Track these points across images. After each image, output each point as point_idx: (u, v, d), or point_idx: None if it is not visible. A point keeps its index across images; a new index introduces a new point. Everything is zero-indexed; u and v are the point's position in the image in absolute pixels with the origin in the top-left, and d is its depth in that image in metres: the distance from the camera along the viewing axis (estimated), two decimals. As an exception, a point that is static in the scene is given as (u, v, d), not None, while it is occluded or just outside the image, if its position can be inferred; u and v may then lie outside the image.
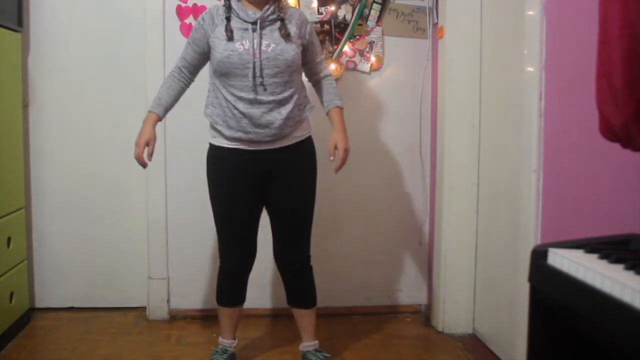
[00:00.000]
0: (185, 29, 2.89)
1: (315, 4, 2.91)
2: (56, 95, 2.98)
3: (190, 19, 2.89)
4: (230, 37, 2.08)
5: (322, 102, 2.35)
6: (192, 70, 2.26)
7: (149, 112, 2.23)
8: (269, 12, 2.11)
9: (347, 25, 2.94)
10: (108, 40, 2.98)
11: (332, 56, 2.94)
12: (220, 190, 2.21)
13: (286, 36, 2.11)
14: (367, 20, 2.95)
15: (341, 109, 2.32)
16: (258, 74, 2.07)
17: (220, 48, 2.09)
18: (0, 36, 2.56)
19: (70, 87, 2.99)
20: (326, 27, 2.93)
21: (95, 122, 3.01)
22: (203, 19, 2.16)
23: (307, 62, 2.28)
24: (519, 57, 2.13)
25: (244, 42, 2.08)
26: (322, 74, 2.34)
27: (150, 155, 2.19)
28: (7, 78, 2.64)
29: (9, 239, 2.61)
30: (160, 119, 2.24)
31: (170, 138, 2.93)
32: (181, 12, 2.90)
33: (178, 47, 2.87)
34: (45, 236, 3.03)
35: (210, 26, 2.13)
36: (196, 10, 2.89)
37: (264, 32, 2.09)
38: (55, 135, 2.99)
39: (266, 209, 2.30)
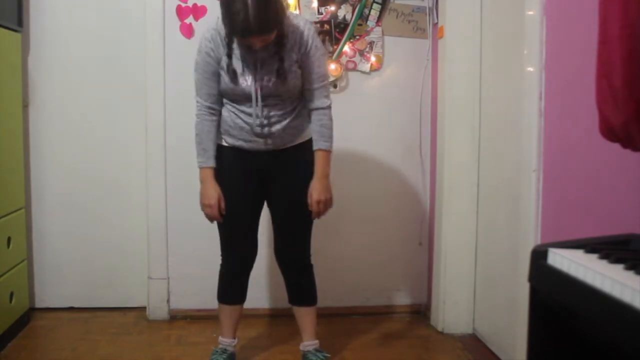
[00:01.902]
0: (185, 29, 2.89)
1: (315, 4, 2.91)
2: (56, 95, 2.98)
3: (190, 19, 2.89)
4: (233, 78, 2.08)
5: (314, 135, 2.21)
6: (219, 99, 2.17)
7: (202, 168, 2.17)
8: (271, 51, 2.06)
9: (347, 25, 2.94)
10: (108, 40, 2.98)
11: (332, 56, 2.94)
12: (221, 188, 2.21)
13: (286, 73, 2.08)
14: (367, 20, 2.95)
15: (326, 151, 2.19)
16: (261, 101, 2.10)
17: (225, 81, 2.10)
18: (0, 36, 2.56)
19: (70, 87, 2.99)
20: (326, 27, 2.93)
21: (95, 122, 3.01)
22: (211, 49, 2.09)
23: (303, 84, 2.15)
24: (519, 57, 2.13)
25: (246, 77, 2.09)
26: (313, 105, 2.18)
27: (223, 209, 2.18)
28: (7, 78, 2.64)
29: (9, 239, 2.61)
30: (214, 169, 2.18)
31: (170, 138, 2.93)
32: (181, 12, 2.89)
33: (178, 47, 2.89)
34: (45, 236, 3.03)
35: (217, 55, 2.09)
36: (196, 10, 2.89)
37: (265, 69, 2.08)
38: (55, 135, 2.99)
39: (268, 207, 2.31)
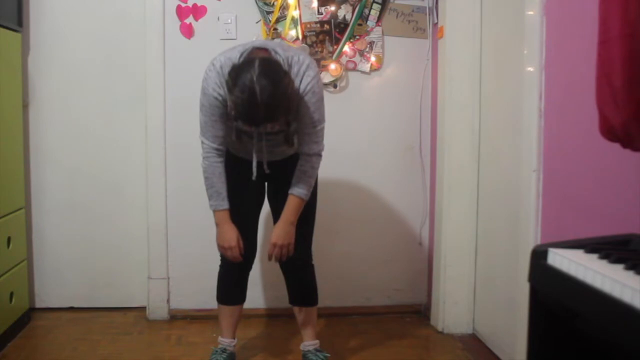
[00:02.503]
0: (185, 29, 2.89)
1: (315, 4, 2.91)
2: (56, 95, 2.98)
3: (190, 19, 2.89)
4: (237, 135, 2.05)
5: (293, 178, 2.13)
6: (226, 139, 2.12)
7: (216, 211, 2.12)
8: (275, 128, 2.04)
9: (347, 25, 2.94)
10: (108, 40, 2.98)
11: (332, 56, 2.94)
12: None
13: (292, 136, 2.06)
14: (367, 20, 2.95)
15: (299, 199, 2.10)
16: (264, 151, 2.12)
17: (228, 130, 2.07)
18: (0, 36, 2.56)
19: (70, 87, 2.99)
20: (326, 27, 2.93)
21: (95, 122, 3.01)
22: (219, 94, 1.98)
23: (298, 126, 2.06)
24: (519, 57, 2.13)
25: (251, 138, 2.10)
26: (301, 149, 2.09)
27: (242, 248, 2.15)
28: (7, 78, 2.64)
29: (9, 239, 2.61)
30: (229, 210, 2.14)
31: (170, 138, 2.93)
32: (181, 12, 2.90)
33: (178, 47, 2.90)
34: (45, 236, 3.03)
35: (225, 99, 1.99)
36: (196, 10, 2.89)
37: (271, 134, 2.08)
38: (55, 135, 2.99)
39: (269, 205, 2.31)
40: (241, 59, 1.92)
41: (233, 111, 1.89)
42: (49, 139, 2.99)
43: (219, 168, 2.10)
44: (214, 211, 2.13)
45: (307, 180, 2.10)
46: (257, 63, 1.80)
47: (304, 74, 1.97)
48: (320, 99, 2.03)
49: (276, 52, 1.95)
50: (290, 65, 1.94)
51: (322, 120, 2.07)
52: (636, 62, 1.12)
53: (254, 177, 2.13)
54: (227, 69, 1.91)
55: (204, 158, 2.11)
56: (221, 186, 2.11)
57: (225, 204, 2.12)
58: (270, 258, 2.15)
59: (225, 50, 2.07)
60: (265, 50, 1.96)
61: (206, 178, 2.12)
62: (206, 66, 2.06)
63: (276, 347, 2.66)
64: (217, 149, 2.09)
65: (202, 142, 2.10)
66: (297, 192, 2.10)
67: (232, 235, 2.12)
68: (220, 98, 1.98)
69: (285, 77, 1.83)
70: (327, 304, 2.87)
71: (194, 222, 2.93)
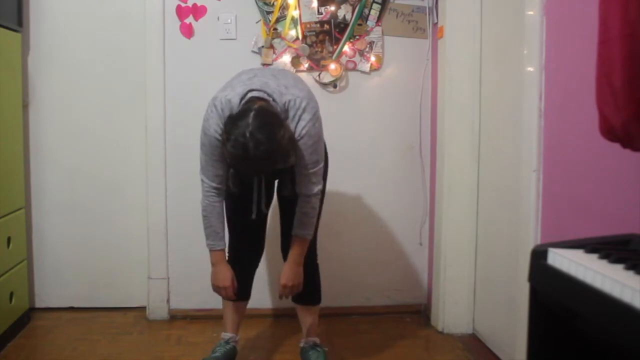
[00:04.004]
0: (185, 29, 2.89)
1: (315, 4, 2.91)
2: (56, 95, 2.98)
3: (190, 19, 2.89)
4: (234, 183, 2.05)
5: (295, 220, 2.13)
6: (225, 178, 2.08)
7: (213, 250, 2.13)
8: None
9: (347, 25, 2.94)
10: (108, 40, 2.98)
11: (332, 56, 2.94)
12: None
13: (288, 178, 2.07)
14: (367, 20, 2.95)
15: (305, 240, 2.12)
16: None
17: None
18: (0, 36, 2.56)
19: (70, 87, 2.99)
20: (326, 27, 2.93)
21: (95, 122, 3.01)
22: (220, 135, 1.92)
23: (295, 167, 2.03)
24: (519, 57, 2.13)
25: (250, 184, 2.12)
26: (299, 189, 2.07)
27: (236, 288, 2.17)
28: (7, 78, 2.64)
29: (9, 239, 2.61)
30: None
31: (170, 138, 2.94)
32: (181, 12, 2.90)
33: (178, 47, 2.90)
34: (45, 236, 3.03)
35: None
36: (196, 10, 2.89)
37: (270, 179, 2.12)
38: (55, 135, 3.00)
39: (277, 201, 2.31)
40: (240, 104, 1.90)
41: (228, 160, 1.88)
42: (49, 139, 2.99)
43: (217, 208, 2.09)
44: (211, 250, 2.13)
45: (310, 220, 2.10)
46: (251, 116, 1.76)
47: (299, 118, 1.93)
48: (317, 141, 1.99)
49: (274, 100, 1.90)
50: (287, 110, 1.92)
51: (319, 161, 2.04)
52: (636, 62, 1.12)
53: (253, 216, 2.13)
54: (227, 112, 1.91)
55: (203, 197, 2.09)
56: (219, 226, 2.11)
57: (222, 244, 2.12)
58: (281, 297, 2.18)
59: (227, 85, 2.03)
60: (263, 99, 1.89)
61: (204, 217, 2.11)
62: (207, 104, 2.01)
63: (276, 347, 2.65)
64: (217, 188, 2.06)
65: (202, 181, 2.07)
66: (301, 234, 2.11)
67: (226, 275, 2.14)
68: (220, 139, 1.91)
69: (280, 130, 1.79)
70: (327, 304, 2.86)
71: (194, 222, 2.91)
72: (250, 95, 1.90)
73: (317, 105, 2.01)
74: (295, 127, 1.93)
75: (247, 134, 1.73)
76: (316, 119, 1.97)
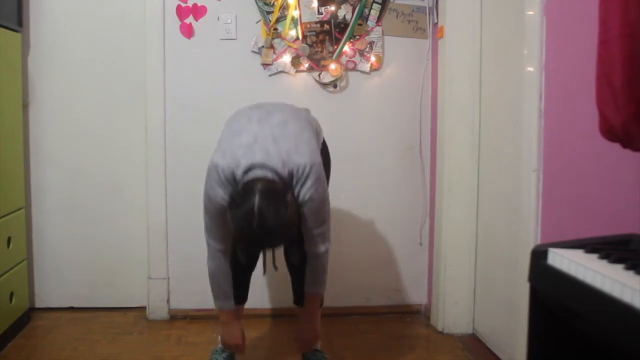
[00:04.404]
0: (185, 29, 2.89)
1: (315, 4, 2.91)
2: (56, 95, 2.98)
3: (190, 19, 2.89)
4: (243, 252, 2.09)
5: (306, 279, 2.13)
6: (231, 238, 2.04)
7: (223, 311, 2.11)
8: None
9: (347, 25, 2.94)
10: (108, 40, 2.98)
11: (332, 56, 2.94)
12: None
13: (295, 245, 2.07)
14: (367, 20, 2.95)
15: (317, 295, 2.14)
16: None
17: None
18: (0, 36, 2.56)
19: (70, 87, 2.99)
20: (326, 27, 2.93)
21: (95, 122, 3.01)
22: (224, 199, 1.89)
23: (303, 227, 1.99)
24: (519, 57, 2.13)
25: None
26: (308, 248, 2.05)
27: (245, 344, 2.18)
28: (7, 78, 2.64)
29: (9, 239, 2.61)
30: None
31: (170, 138, 2.93)
32: (181, 12, 2.90)
33: (178, 47, 2.90)
34: (45, 236, 3.03)
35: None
36: (196, 10, 2.89)
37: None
38: (55, 135, 2.99)
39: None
40: (242, 177, 1.85)
41: (235, 235, 1.87)
42: (49, 139, 2.99)
43: (225, 269, 2.06)
44: (220, 310, 2.12)
45: (321, 278, 2.10)
46: (256, 199, 1.73)
47: (302, 184, 1.89)
48: (322, 202, 1.96)
49: (277, 173, 1.84)
50: (291, 177, 1.88)
51: (325, 221, 2.01)
52: (636, 62, 1.12)
53: (264, 275, 2.13)
54: (231, 181, 1.87)
55: (210, 259, 2.06)
56: (228, 286, 2.08)
57: (231, 304, 2.10)
58: (298, 352, 2.20)
59: (227, 149, 1.92)
60: (267, 179, 1.83)
61: (213, 279, 2.07)
62: (207, 168, 1.95)
63: (276, 347, 2.65)
64: (223, 250, 2.04)
65: (208, 244, 2.04)
66: (314, 291, 2.12)
67: (237, 334, 2.14)
68: (225, 203, 1.88)
69: (285, 209, 1.77)
70: (327, 304, 2.86)
71: (194, 222, 2.92)
72: (252, 174, 1.83)
73: (320, 168, 1.94)
74: (299, 192, 1.89)
75: (253, 217, 1.72)
76: (319, 182, 1.92)
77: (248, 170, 1.83)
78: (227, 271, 2.07)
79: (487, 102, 2.68)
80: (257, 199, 1.73)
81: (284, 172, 1.85)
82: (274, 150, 1.86)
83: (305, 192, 1.88)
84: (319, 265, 2.07)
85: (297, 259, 2.13)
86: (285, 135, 1.90)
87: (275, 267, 2.13)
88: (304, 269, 2.13)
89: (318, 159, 1.94)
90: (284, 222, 1.76)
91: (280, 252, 2.19)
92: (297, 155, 1.87)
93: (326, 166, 2.21)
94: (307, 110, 2.25)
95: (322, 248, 2.04)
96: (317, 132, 2.15)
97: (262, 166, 1.81)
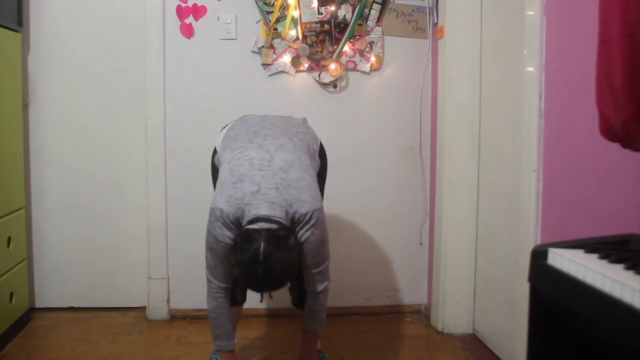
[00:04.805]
0: (185, 29, 2.89)
1: (315, 4, 2.91)
2: (56, 95, 2.98)
3: (190, 19, 2.89)
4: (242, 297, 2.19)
5: (305, 317, 2.14)
6: (232, 276, 2.04)
7: (222, 351, 2.09)
8: None
9: (347, 25, 2.94)
10: (108, 40, 2.98)
11: (332, 56, 2.94)
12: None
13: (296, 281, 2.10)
14: (367, 20, 2.95)
15: (316, 334, 2.15)
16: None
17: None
18: (0, 36, 2.56)
19: (70, 87, 2.99)
20: (326, 27, 2.93)
21: (95, 122, 3.01)
22: (229, 238, 1.88)
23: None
24: (519, 57, 2.13)
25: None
26: (307, 286, 2.07)
27: None
28: (7, 78, 2.64)
29: (9, 239, 2.61)
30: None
31: (170, 138, 2.93)
32: (181, 12, 2.90)
33: (178, 47, 2.90)
34: (45, 236, 3.03)
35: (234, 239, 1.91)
36: (196, 10, 2.89)
37: None
38: (55, 135, 3.00)
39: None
40: (246, 225, 1.84)
41: (238, 277, 1.89)
42: (49, 139, 2.99)
43: (227, 308, 2.06)
44: (220, 352, 2.11)
45: (320, 316, 2.11)
46: (262, 248, 1.75)
47: (302, 227, 1.90)
48: (320, 244, 1.96)
49: (281, 224, 1.84)
50: (292, 222, 1.89)
51: (323, 261, 2.02)
52: (636, 62, 1.12)
53: (260, 301, 2.10)
54: (235, 223, 1.87)
55: (211, 299, 2.04)
56: (229, 326, 2.09)
57: (232, 344, 2.10)
58: None
59: (231, 193, 1.89)
60: (272, 229, 1.82)
61: (214, 319, 2.06)
62: (207, 212, 1.95)
63: (276, 347, 2.65)
64: (225, 289, 2.03)
65: (210, 281, 2.02)
66: (312, 329, 2.13)
67: None
68: (230, 242, 1.89)
69: (289, 254, 1.80)
70: (327, 304, 2.87)
71: (194, 222, 2.92)
72: (258, 225, 1.83)
73: (320, 213, 1.95)
74: (298, 233, 1.91)
75: (259, 263, 1.75)
76: (317, 226, 1.93)
77: (253, 221, 1.85)
78: (229, 310, 2.07)
79: (487, 102, 2.68)
80: (262, 246, 1.76)
81: (287, 220, 1.87)
82: (277, 201, 1.86)
83: (302, 233, 1.91)
84: (318, 305, 2.09)
85: (297, 296, 2.17)
86: (287, 184, 1.90)
87: (271, 296, 2.14)
88: (302, 287, 2.14)
89: (318, 204, 1.95)
90: (287, 267, 1.80)
91: None
92: (299, 204, 1.89)
93: (322, 172, 2.22)
94: (304, 121, 2.24)
95: (320, 287, 2.06)
96: (314, 152, 2.13)
97: (267, 219, 1.83)
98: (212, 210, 1.92)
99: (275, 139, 2.04)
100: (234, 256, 1.84)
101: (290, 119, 2.21)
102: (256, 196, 1.86)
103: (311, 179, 1.99)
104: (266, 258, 1.75)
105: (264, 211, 1.83)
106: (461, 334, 2.81)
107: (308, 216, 1.89)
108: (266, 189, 1.88)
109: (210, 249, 1.97)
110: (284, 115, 2.26)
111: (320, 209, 1.95)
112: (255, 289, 1.86)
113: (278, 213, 1.84)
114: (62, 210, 3.03)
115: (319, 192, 1.99)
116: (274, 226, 1.83)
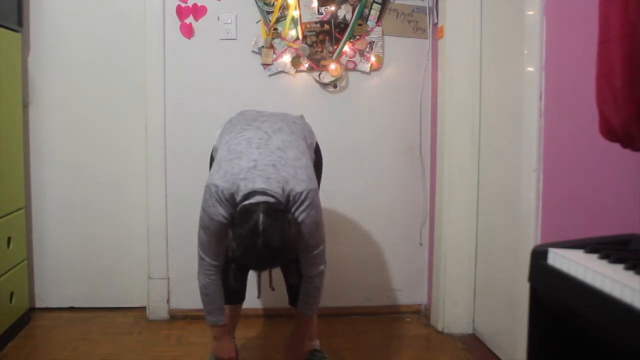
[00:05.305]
0: (185, 29, 2.89)
1: (315, 4, 2.91)
2: (56, 95, 2.98)
3: (190, 19, 2.89)
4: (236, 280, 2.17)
5: (299, 299, 2.14)
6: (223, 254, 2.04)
7: (215, 325, 2.10)
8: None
9: (347, 25, 2.94)
10: (108, 40, 2.98)
11: (332, 56, 2.94)
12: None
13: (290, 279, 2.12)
14: (367, 20, 2.95)
15: (309, 318, 2.16)
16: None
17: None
18: (0, 36, 2.56)
19: (70, 87, 2.99)
20: (326, 27, 2.93)
21: (95, 122, 3.01)
22: (224, 217, 1.88)
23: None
24: (519, 57, 2.13)
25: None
26: (303, 270, 2.07)
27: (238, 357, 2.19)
28: (7, 78, 2.64)
29: (9, 239, 2.61)
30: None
31: (170, 138, 2.93)
32: (181, 12, 2.90)
33: (178, 47, 2.90)
34: (46, 236, 3.03)
35: (229, 218, 1.91)
36: (196, 10, 2.89)
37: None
38: (55, 135, 3.00)
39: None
40: (241, 201, 1.84)
41: (233, 255, 1.84)
42: (49, 139, 2.99)
43: (218, 285, 2.05)
44: (212, 326, 2.11)
45: (314, 301, 2.11)
46: (261, 220, 1.74)
47: (298, 207, 1.89)
48: (315, 226, 1.95)
49: (277, 198, 1.83)
50: (288, 202, 1.88)
51: (319, 244, 2.01)
52: (636, 62, 1.12)
53: (258, 297, 2.13)
54: (230, 199, 1.87)
55: (203, 275, 2.03)
56: (220, 301, 2.08)
57: (223, 318, 2.10)
58: None
59: (227, 169, 1.89)
60: (269, 202, 1.82)
61: (205, 295, 2.06)
62: (204, 190, 1.94)
63: (276, 347, 2.65)
64: (217, 266, 2.03)
65: (202, 259, 2.02)
66: (307, 313, 2.12)
67: (230, 348, 2.15)
68: (225, 220, 1.89)
69: (288, 227, 1.79)
70: (327, 304, 2.87)
71: (194, 222, 2.89)
72: (254, 199, 1.83)
73: (315, 194, 1.95)
74: (294, 214, 1.91)
75: (258, 235, 1.73)
76: (312, 207, 1.92)
77: (249, 195, 1.84)
78: (220, 287, 2.07)
79: (487, 102, 2.68)
80: (261, 218, 1.75)
81: (283, 197, 1.87)
82: (274, 177, 1.86)
83: (298, 215, 1.90)
84: (312, 288, 2.08)
85: (295, 279, 2.16)
86: (284, 162, 1.91)
87: (272, 288, 2.15)
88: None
89: (314, 185, 1.95)
90: (287, 239, 1.78)
91: (275, 272, 2.20)
92: (295, 182, 1.88)
93: (318, 168, 2.22)
94: (301, 117, 2.25)
95: (315, 271, 2.05)
96: (310, 144, 2.14)
97: (263, 192, 1.83)
98: (207, 187, 1.92)
99: (273, 123, 2.06)
100: (232, 233, 1.81)
101: (288, 114, 2.22)
102: (252, 171, 1.86)
103: (308, 162, 1.99)
104: (265, 230, 1.73)
105: (260, 185, 1.83)
106: (461, 334, 2.81)
107: (304, 195, 1.88)
108: (263, 165, 1.88)
109: (203, 226, 1.97)
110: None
111: (316, 190, 1.95)
112: (255, 264, 1.83)
113: (274, 188, 1.84)
114: (62, 210, 3.03)
115: (314, 175, 1.99)
116: (270, 199, 1.82)
